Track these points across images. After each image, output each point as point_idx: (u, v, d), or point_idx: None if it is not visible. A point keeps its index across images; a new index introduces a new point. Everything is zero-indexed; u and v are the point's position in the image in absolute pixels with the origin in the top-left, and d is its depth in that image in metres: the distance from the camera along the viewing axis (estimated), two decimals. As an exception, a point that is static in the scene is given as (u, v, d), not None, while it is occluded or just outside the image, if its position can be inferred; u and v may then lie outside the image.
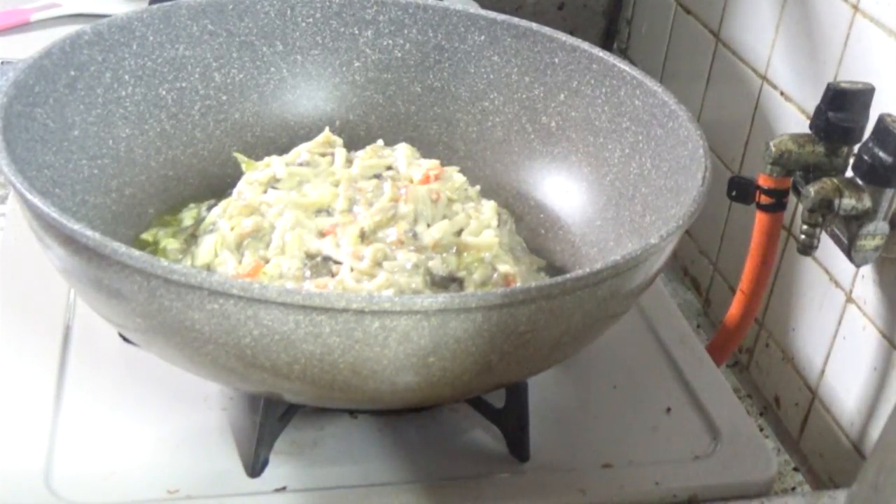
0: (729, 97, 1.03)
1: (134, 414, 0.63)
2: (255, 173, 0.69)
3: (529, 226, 0.75)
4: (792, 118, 0.91)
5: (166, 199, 0.72)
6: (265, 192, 0.66)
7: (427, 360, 0.51)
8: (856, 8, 0.81)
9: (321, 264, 0.61)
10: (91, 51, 0.68)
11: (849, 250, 0.73)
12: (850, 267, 0.82)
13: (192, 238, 0.68)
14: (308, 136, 0.74)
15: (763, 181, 0.78)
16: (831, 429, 0.86)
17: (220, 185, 0.73)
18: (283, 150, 0.72)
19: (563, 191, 0.75)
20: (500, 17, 0.77)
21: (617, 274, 0.53)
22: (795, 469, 0.90)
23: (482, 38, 0.78)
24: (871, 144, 0.70)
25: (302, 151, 0.70)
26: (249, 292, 0.48)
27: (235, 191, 0.68)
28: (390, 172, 0.68)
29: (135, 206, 0.70)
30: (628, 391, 0.70)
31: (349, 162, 0.70)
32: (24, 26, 1.04)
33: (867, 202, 0.71)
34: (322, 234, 0.63)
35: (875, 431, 0.80)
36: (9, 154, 0.56)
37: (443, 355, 0.51)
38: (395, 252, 0.62)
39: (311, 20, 0.78)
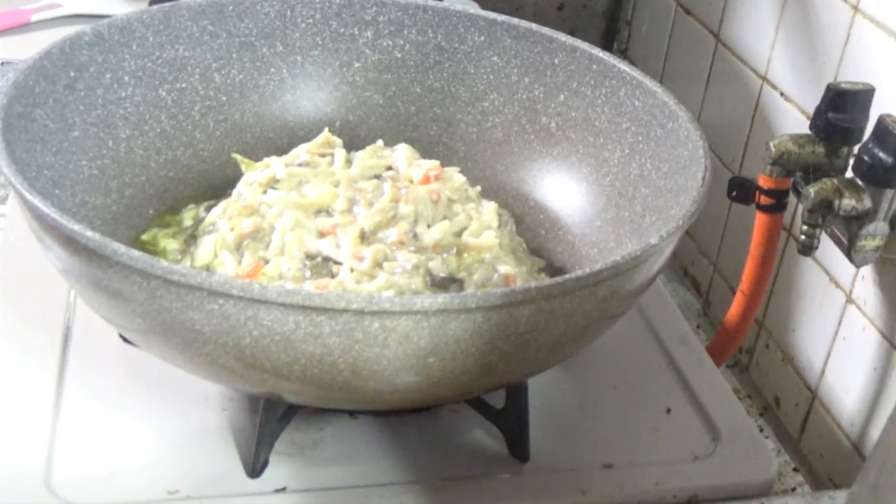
0: (729, 97, 1.03)
1: (134, 414, 0.63)
2: (254, 174, 0.69)
3: (529, 226, 0.75)
4: (792, 118, 0.91)
5: (166, 200, 0.72)
6: (265, 192, 0.66)
7: (427, 361, 0.51)
8: (856, 8, 0.81)
9: (321, 265, 0.61)
10: (91, 51, 0.68)
11: (849, 251, 0.73)
12: (850, 267, 0.82)
13: (191, 239, 0.68)
14: (308, 137, 0.74)
15: (763, 182, 0.78)
16: (831, 429, 0.85)
17: (219, 186, 0.73)
18: (282, 150, 0.72)
19: (563, 191, 0.75)
20: (500, 17, 0.77)
21: (617, 274, 0.53)
22: (795, 469, 0.90)
23: (482, 38, 0.78)
24: (871, 145, 0.70)
25: (301, 152, 0.70)
26: (249, 293, 0.48)
27: (235, 191, 0.68)
28: (390, 173, 0.68)
29: (135, 206, 0.70)
30: (628, 391, 0.70)
31: (349, 162, 0.70)
32: (24, 26, 1.05)
33: (867, 203, 0.71)
34: (322, 235, 0.63)
35: (875, 431, 0.80)
36: (9, 155, 0.56)
37: (443, 355, 0.51)
38: (396, 253, 0.62)
39: (310, 21, 0.78)
